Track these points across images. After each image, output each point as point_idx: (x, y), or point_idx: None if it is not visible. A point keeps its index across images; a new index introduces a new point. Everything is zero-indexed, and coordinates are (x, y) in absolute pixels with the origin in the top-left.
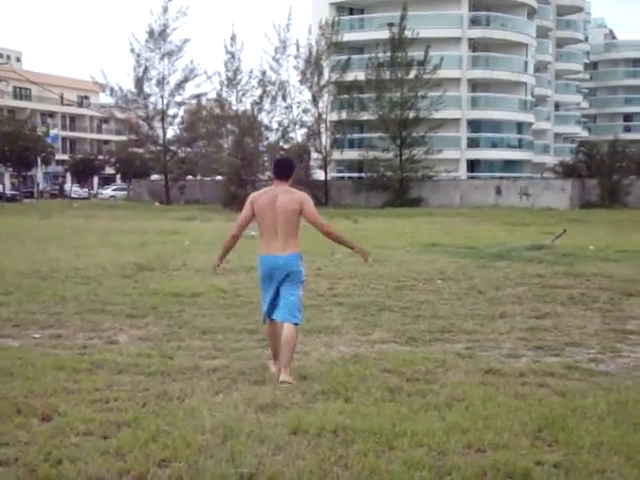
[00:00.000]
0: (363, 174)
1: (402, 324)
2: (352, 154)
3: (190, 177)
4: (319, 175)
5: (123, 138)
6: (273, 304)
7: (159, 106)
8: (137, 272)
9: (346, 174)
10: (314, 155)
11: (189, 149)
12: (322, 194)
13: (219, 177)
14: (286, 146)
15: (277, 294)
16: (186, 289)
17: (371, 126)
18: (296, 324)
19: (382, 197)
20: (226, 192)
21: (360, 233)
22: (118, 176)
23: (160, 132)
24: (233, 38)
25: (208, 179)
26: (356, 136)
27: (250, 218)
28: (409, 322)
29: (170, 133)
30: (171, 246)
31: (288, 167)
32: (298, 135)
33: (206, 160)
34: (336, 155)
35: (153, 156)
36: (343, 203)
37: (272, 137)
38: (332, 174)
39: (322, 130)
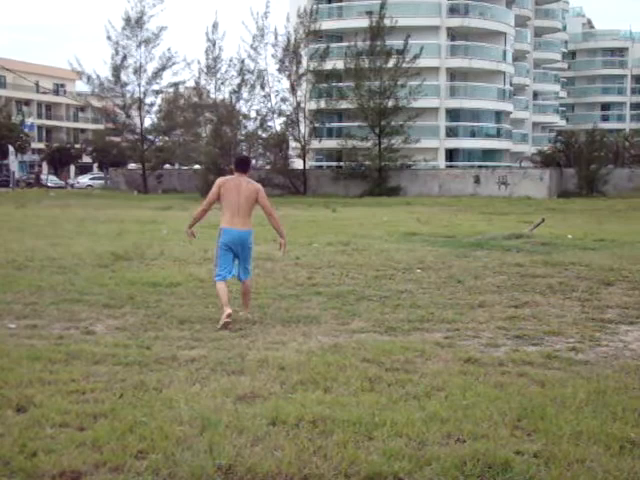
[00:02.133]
0: (342, 163)
1: (381, 313)
2: (331, 143)
3: (168, 166)
4: (298, 164)
5: (100, 127)
6: (229, 267)
7: (136, 94)
8: (114, 262)
9: (325, 163)
10: (293, 144)
11: (167, 138)
12: (301, 183)
13: (197, 166)
14: (264, 135)
15: (232, 260)
16: (164, 279)
17: (350, 115)
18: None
19: (361, 186)
20: (204, 181)
21: (339, 222)
22: (95, 165)
23: (137, 120)
24: (215, 26)
25: (186, 168)
26: (335, 125)
27: (216, 198)
28: (388, 311)
29: (147, 122)
30: (148, 235)
31: (247, 163)
32: (276, 124)
33: (184, 149)
34: (315, 144)
35: (130, 145)
36: (322, 192)
37: (250, 126)
38: (311, 163)
39: (301, 119)
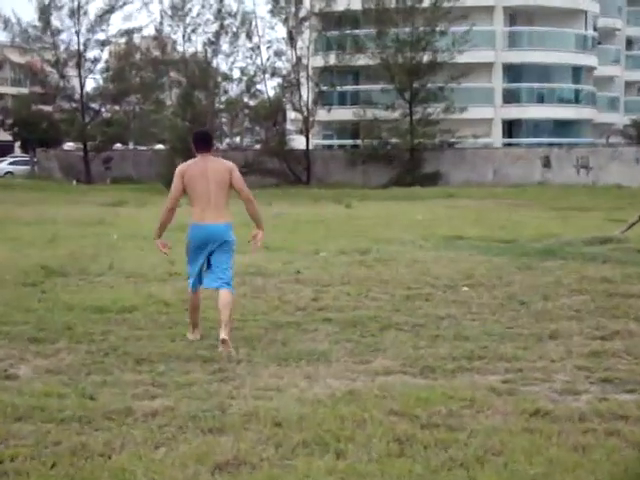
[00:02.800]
0: (359, 141)
1: (414, 348)
2: (344, 114)
3: (119, 146)
4: (298, 143)
5: (23, 91)
6: (201, 273)
7: (73, 46)
8: (45, 278)
9: (336, 141)
10: (291, 115)
11: (117, 107)
12: (302, 169)
13: (159, 146)
14: (252, 103)
15: (206, 263)
16: (114, 302)
17: (370, 75)
18: (231, 292)
19: (385, 172)
20: (169, 166)
21: (355, 222)
22: (17, 144)
23: (76, 83)
24: None
25: (144, 149)
26: (349, 89)
27: (182, 190)
28: (424, 345)
29: (90, 85)
30: (92, 242)
31: (209, 138)
32: (269, 88)
33: (141, 122)
34: (322, 115)
35: (66, 116)
36: (331, 181)
37: (233, 90)
38: (316, 141)
39: (302, 81)
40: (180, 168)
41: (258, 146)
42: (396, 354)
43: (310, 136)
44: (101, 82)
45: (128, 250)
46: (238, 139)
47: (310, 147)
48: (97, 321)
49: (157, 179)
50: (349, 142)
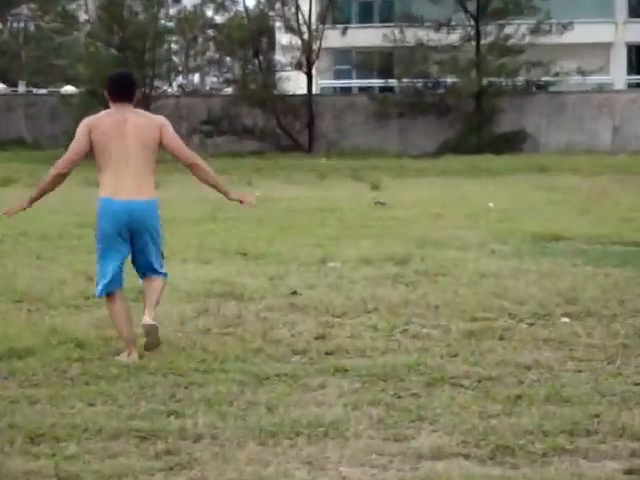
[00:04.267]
0: (393, 81)
1: (481, 415)
2: (368, 36)
3: (2, 87)
4: (294, 84)
5: None
6: (121, 268)
7: None
8: None
9: (355, 82)
10: (283, 39)
11: None
12: (301, 126)
13: (69, 88)
14: (219, 19)
15: (124, 256)
16: None
17: None
18: (164, 279)
19: (436, 132)
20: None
21: (386, 213)
22: None
23: None
24: None
25: (44, 92)
26: None
27: (85, 150)
28: (497, 412)
29: None
30: None
31: (131, 82)
32: None
33: (38, 50)
34: (332, 39)
35: None
36: (348, 146)
37: None
38: (324, 82)
39: None
40: (87, 120)
41: (230, 89)
42: (452, 426)
43: (314, 73)
44: None
45: (18, 258)
46: (197, 78)
47: (314, 91)
48: None
49: (65, 141)
50: (377, 83)
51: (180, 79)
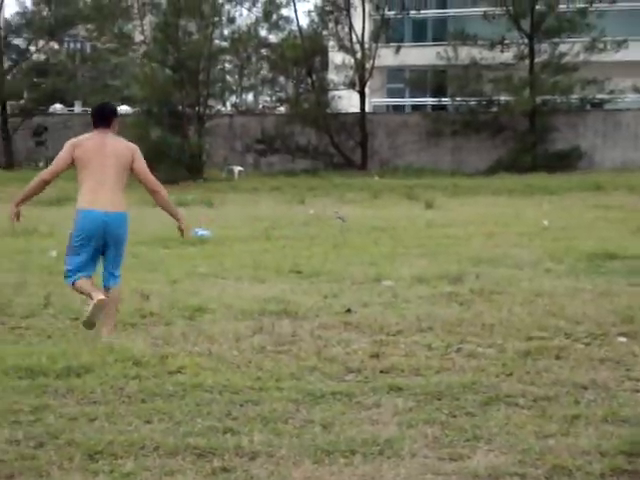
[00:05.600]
0: (446, 100)
1: (537, 435)
2: (422, 55)
3: (59, 107)
4: (347, 103)
5: None
6: (87, 265)
7: None
8: None
9: (409, 101)
10: (336, 58)
11: (56, 46)
12: (354, 144)
13: (124, 108)
14: (273, 38)
15: (93, 258)
16: (52, 360)
17: None
18: (118, 285)
19: (490, 151)
20: (140, 140)
21: (440, 231)
22: None
23: None
24: None
25: None
26: (431, 14)
27: (67, 164)
28: (554, 431)
29: (12, 8)
30: (17, 263)
31: (111, 112)
32: (300, 14)
33: (94, 70)
34: (386, 58)
35: None
36: (401, 164)
37: (242, 18)
38: (377, 100)
39: (354, 1)
40: (72, 140)
41: (283, 108)
42: (508, 445)
43: (367, 92)
44: (29, 5)
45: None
46: (251, 97)
47: (367, 110)
48: (25, 391)
49: None
50: (430, 102)
51: (234, 98)
